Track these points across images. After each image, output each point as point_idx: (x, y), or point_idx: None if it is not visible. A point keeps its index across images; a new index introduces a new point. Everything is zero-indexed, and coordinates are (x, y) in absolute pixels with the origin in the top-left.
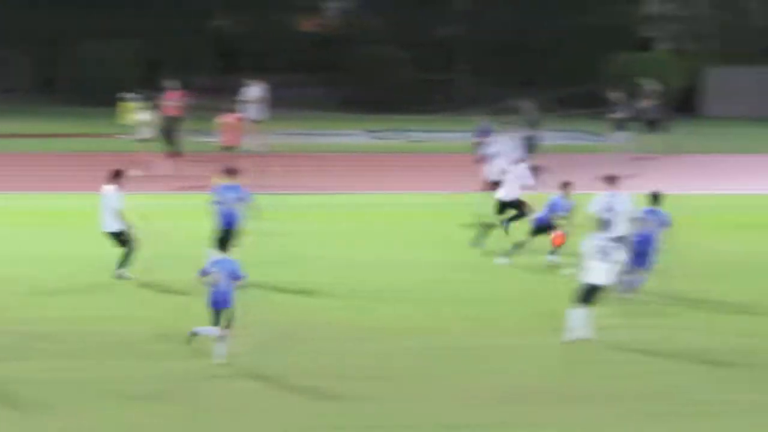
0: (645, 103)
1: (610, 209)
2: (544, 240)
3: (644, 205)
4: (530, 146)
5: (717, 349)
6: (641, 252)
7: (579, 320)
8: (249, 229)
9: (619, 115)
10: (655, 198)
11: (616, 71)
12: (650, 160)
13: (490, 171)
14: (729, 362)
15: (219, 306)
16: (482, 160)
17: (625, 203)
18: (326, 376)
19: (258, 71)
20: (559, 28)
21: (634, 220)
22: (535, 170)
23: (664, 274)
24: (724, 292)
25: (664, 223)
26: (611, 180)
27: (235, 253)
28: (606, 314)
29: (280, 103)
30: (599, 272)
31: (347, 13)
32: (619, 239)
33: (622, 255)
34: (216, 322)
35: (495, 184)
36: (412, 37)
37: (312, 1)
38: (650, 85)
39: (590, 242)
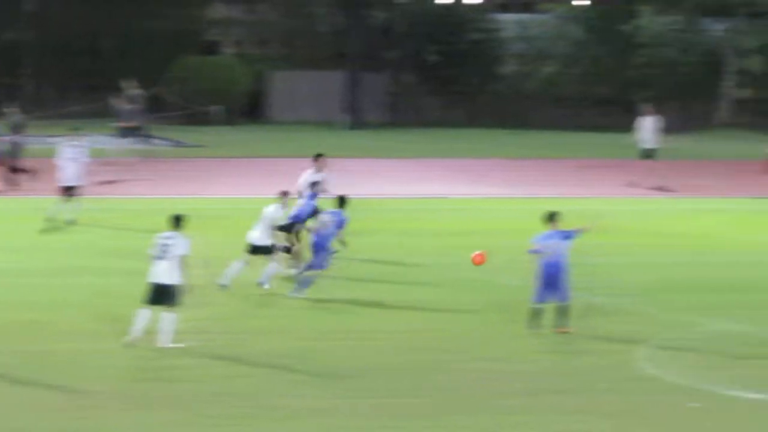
0: (130, 108)
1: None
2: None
3: (330, 208)
4: (14, 150)
5: (291, 354)
6: (318, 250)
7: (144, 322)
8: None
9: (123, 121)
10: (342, 201)
11: (181, 75)
12: (133, 165)
13: (63, 177)
14: (298, 367)
15: None
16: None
17: (275, 212)
18: None
19: None
20: (129, 31)
21: (319, 219)
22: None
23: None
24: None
25: (342, 225)
26: (283, 193)
27: None
28: (184, 319)
29: None
30: (162, 271)
31: None
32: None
33: (181, 251)
34: None
35: (68, 189)
36: None
37: None
38: (133, 89)
39: (152, 241)
